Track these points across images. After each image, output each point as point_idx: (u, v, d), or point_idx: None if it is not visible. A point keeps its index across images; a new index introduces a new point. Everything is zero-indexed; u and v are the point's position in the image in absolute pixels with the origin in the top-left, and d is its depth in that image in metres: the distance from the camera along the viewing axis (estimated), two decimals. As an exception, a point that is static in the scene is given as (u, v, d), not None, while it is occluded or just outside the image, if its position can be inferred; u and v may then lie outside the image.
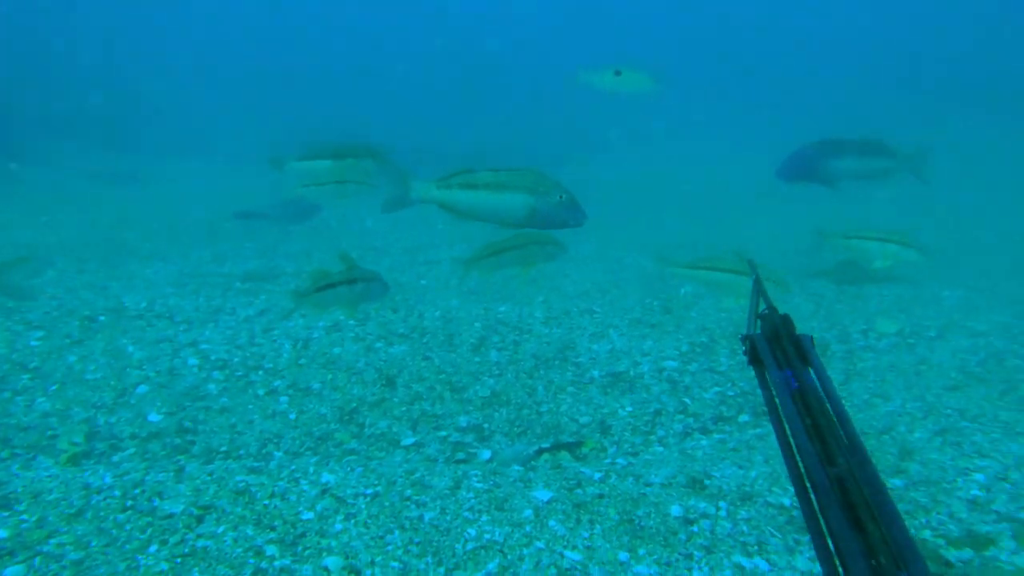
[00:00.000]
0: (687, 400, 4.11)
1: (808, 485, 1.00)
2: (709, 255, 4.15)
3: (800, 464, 1.04)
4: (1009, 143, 13.12)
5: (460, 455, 3.46)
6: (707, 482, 3.09)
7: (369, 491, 2.65)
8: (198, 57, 23.46)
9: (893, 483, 3.01)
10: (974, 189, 10.28)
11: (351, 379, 4.13)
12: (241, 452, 3.48)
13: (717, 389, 4.21)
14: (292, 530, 2.39)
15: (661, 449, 3.60)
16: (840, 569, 0.87)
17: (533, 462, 3.40)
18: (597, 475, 3.13)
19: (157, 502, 2.65)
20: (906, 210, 8.67)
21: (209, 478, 2.83)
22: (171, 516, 2.55)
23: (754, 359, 1.31)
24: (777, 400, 1.18)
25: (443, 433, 3.65)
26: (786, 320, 1.35)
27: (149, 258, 6.98)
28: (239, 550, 2.35)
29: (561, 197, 3.08)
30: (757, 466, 3.26)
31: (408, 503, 2.61)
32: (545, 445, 3.60)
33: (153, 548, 2.38)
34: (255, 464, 3.05)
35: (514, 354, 4.52)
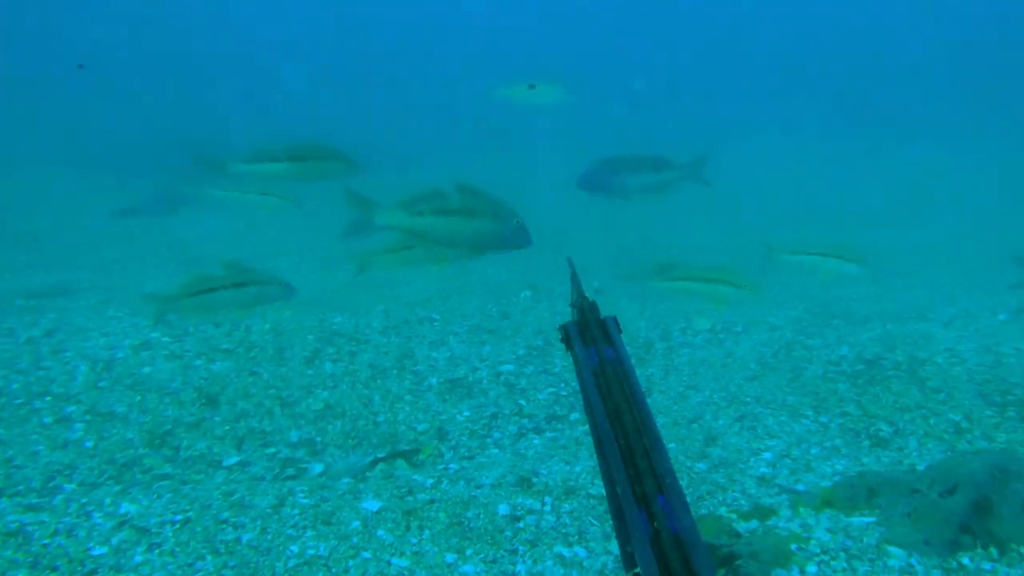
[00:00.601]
0: (523, 402, 4.25)
1: (602, 441, 1.17)
2: (700, 265, 4.27)
3: (597, 424, 1.19)
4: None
5: (290, 471, 3.34)
6: (535, 480, 3.23)
7: (179, 517, 2.49)
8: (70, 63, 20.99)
9: (698, 467, 3.31)
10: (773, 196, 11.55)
11: (164, 400, 3.85)
12: (19, 488, 3.12)
13: (551, 390, 4.40)
14: (79, 568, 2.19)
15: (496, 451, 3.70)
16: (616, 484, 1.06)
17: (367, 473, 3.37)
18: (429, 481, 3.17)
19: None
20: (711, 219, 9.57)
21: (-24, 521, 2.52)
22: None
23: (568, 344, 1.43)
24: (583, 375, 1.32)
25: (272, 450, 3.52)
26: (592, 306, 1.48)
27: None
28: (15, 598, 2.12)
29: (517, 222, 3.24)
30: (583, 461, 3.46)
31: (224, 526, 2.49)
32: (381, 455, 3.58)
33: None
34: (36, 501, 2.76)
35: (350, 365, 4.44)
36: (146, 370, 4.17)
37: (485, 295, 6.03)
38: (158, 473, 3.25)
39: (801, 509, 2.83)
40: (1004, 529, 2.42)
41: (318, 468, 3.39)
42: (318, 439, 3.68)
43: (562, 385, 4.44)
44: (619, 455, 1.09)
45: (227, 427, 3.68)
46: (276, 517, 2.61)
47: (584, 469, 3.35)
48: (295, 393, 4.05)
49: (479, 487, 3.14)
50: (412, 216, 3.18)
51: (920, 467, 3.09)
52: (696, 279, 4.22)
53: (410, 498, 2.94)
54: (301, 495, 2.82)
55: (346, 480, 3.10)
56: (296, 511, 2.67)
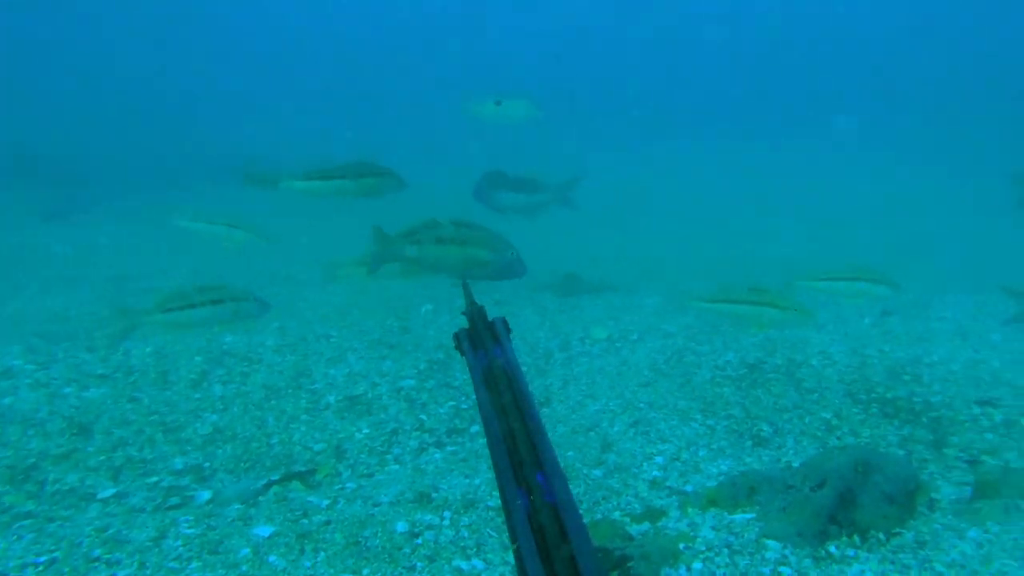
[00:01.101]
0: (424, 416, 4.22)
1: (488, 432, 1.24)
2: (727, 287, 4.16)
3: (484, 418, 1.26)
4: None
5: (174, 500, 3.16)
6: (434, 495, 3.21)
7: (43, 559, 2.30)
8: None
9: (594, 474, 3.40)
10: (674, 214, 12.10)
11: (28, 432, 3.55)
12: None
13: (452, 403, 4.40)
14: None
15: (396, 467, 3.65)
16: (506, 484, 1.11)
17: (260, 497, 3.23)
18: (325, 502, 3.08)
19: None
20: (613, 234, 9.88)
21: None
22: None
23: (460, 349, 1.50)
24: (474, 377, 1.39)
25: (153, 479, 3.31)
26: (480, 311, 1.55)
27: None
28: None
29: (511, 254, 3.51)
30: (482, 473, 3.47)
31: (96, 564, 2.32)
32: (275, 477, 3.45)
33: None
34: None
35: (242, 386, 4.26)
36: (6, 400, 3.82)
37: (385, 310, 5.94)
38: (19, 512, 2.97)
39: (689, 509, 2.96)
40: (865, 517, 2.63)
41: (206, 495, 3.22)
42: (206, 464, 3.50)
43: (463, 398, 4.44)
44: (503, 443, 1.16)
45: (102, 457, 3.43)
46: (156, 550, 2.46)
47: (484, 481, 3.37)
48: (181, 418, 3.84)
49: (377, 505, 3.08)
50: (411, 244, 3.46)
51: (796, 464, 3.30)
52: (741, 302, 4.13)
53: (305, 520, 2.85)
54: (185, 525, 2.67)
55: (236, 506, 2.97)
56: (179, 542, 2.53)
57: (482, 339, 1.43)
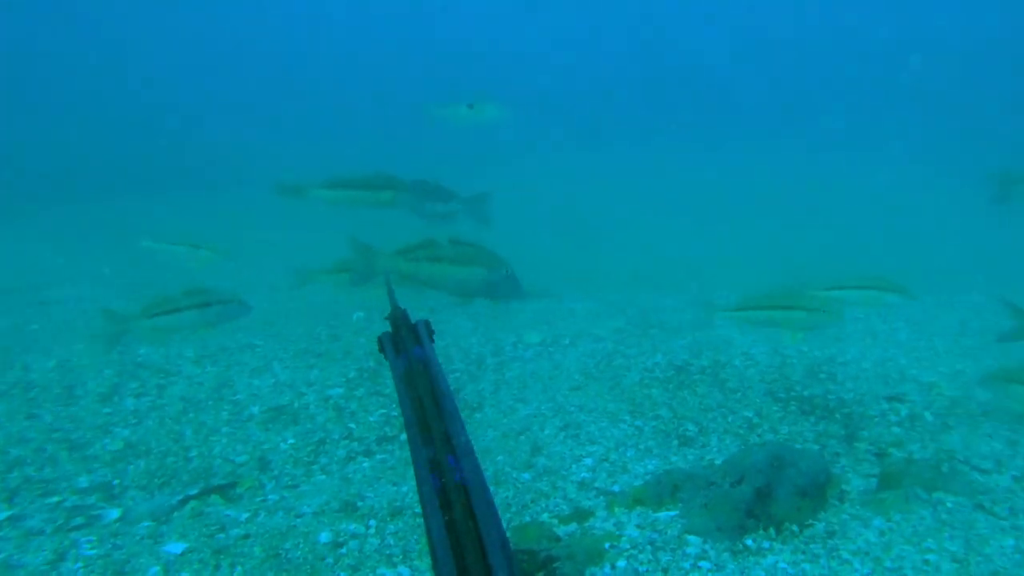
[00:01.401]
0: (352, 425, 4.13)
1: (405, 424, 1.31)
2: (758, 295, 4.04)
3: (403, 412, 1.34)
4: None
5: (77, 520, 2.98)
6: (360, 503, 3.14)
7: (-77, 588, 2.13)
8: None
9: (524, 477, 3.40)
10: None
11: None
12: None
13: (382, 411, 4.32)
14: None
15: (323, 477, 3.56)
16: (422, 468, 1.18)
17: (175, 513, 3.09)
18: (245, 515, 2.98)
19: None
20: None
21: None
22: None
23: (383, 352, 1.55)
24: (395, 376, 1.46)
25: (54, 499, 3.11)
26: (403, 315, 1.60)
27: None
28: None
29: (506, 271, 3.64)
30: (409, 481, 3.42)
31: (-15, 590, 2.16)
32: (192, 492, 3.30)
33: None
34: None
35: (158, 399, 4.07)
36: None
37: (314, 317, 5.81)
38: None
39: (616, 509, 3.00)
40: (780, 511, 2.72)
41: (114, 514, 3.05)
42: (115, 482, 3.32)
43: (393, 406, 4.37)
44: (418, 431, 1.24)
45: (-3, 478, 3.21)
46: (53, 575, 2.31)
47: (411, 488, 3.32)
48: (87, 434, 3.63)
49: (300, 516, 3.00)
50: (408, 262, 3.55)
51: (718, 461, 3.39)
52: (769, 307, 4.07)
53: (222, 535, 2.74)
54: (87, 546, 2.52)
55: (146, 524, 2.82)
56: (79, 564, 2.39)
57: (404, 341, 1.48)
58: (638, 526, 2.81)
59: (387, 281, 2.12)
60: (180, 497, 3.24)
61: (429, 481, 1.13)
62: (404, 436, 4.07)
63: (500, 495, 3.20)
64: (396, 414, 4.30)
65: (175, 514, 3.04)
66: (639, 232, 11.19)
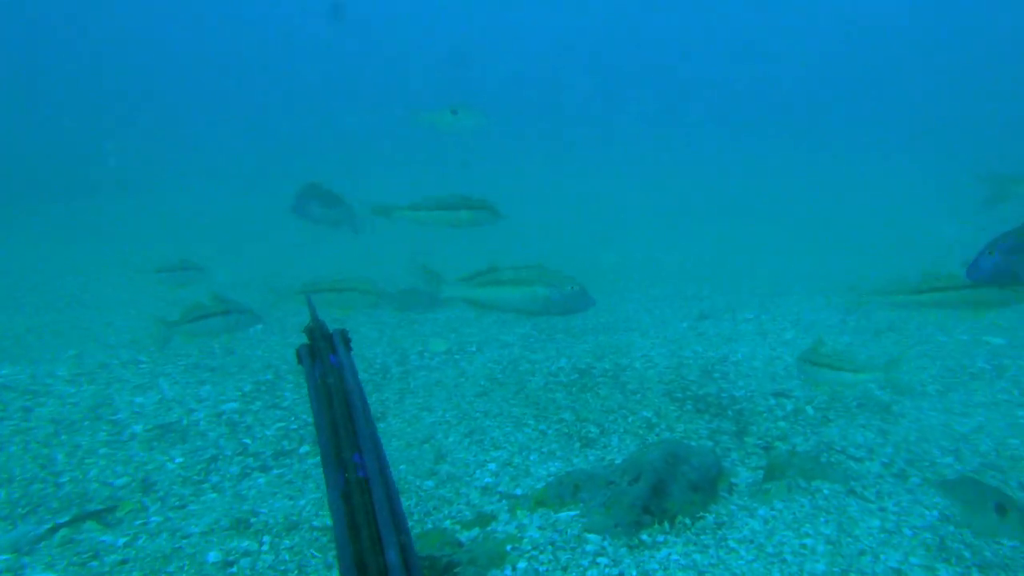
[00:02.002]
0: (248, 440, 3.95)
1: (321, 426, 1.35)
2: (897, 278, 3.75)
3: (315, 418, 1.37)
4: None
5: (-74, 557, 2.69)
6: (253, 520, 3.00)
7: None
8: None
9: (426, 485, 3.36)
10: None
11: None
12: None
13: (280, 424, 4.16)
14: None
15: (214, 496, 3.38)
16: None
17: (42, 543, 2.84)
18: (123, 540, 2.78)
19: None
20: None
21: None
22: None
23: (301, 361, 1.58)
24: (309, 383, 1.49)
25: None
26: (321, 325, 1.64)
27: None
28: None
29: (572, 288, 3.72)
30: (308, 494, 3.30)
31: None
32: (63, 519, 3.05)
33: None
34: None
35: (23, 422, 3.75)
36: None
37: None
38: None
39: (518, 512, 3.01)
40: (674, 505, 2.81)
41: (-32, 547, 2.77)
42: (-30, 513, 3.02)
43: (292, 419, 4.22)
44: (327, 432, 1.29)
45: None
46: None
47: (309, 502, 3.21)
48: (-60, 460, 3.29)
49: (186, 537, 2.83)
50: (472, 287, 3.74)
51: (618, 461, 3.47)
52: (945, 289, 3.71)
53: (95, 563, 2.55)
54: (-66, 583, 2.28)
55: (4, 557, 2.58)
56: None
57: (321, 350, 1.54)
58: (539, 527, 2.83)
59: (308, 296, 2.16)
60: (48, 526, 2.98)
61: (335, 479, 1.18)
62: (303, 449, 3.94)
63: (402, 504, 3.14)
64: (295, 427, 4.16)
65: (42, 544, 2.79)
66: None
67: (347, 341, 1.59)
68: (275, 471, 3.66)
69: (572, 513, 2.92)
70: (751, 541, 2.57)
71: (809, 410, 4.09)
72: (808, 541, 2.58)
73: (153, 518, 3.01)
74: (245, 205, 13.23)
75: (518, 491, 3.25)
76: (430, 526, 2.96)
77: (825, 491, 2.98)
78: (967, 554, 2.53)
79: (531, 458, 3.64)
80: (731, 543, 2.56)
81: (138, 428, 3.86)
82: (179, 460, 3.67)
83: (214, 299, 4.09)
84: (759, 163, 17.62)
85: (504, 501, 3.14)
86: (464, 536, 2.86)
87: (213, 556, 2.65)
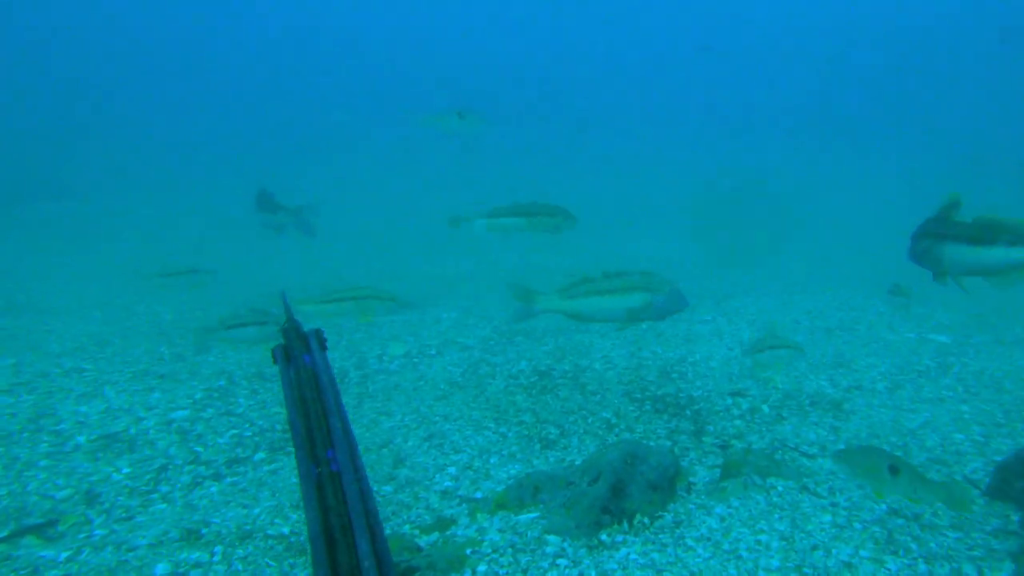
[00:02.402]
0: (199, 449, 3.84)
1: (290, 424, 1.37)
2: None
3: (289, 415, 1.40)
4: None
5: None
6: (204, 530, 2.91)
7: None
8: None
9: (385, 490, 3.30)
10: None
11: None
12: None
13: (234, 432, 4.05)
14: None
15: (164, 506, 3.27)
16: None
17: (-23, 560, 2.70)
18: (64, 555, 2.66)
19: None
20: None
21: None
22: None
23: (276, 361, 1.60)
24: (285, 383, 1.51)
25: None
26: (296, 326, 1.66)
27: None
28: None
29: (670, 290, 3.76)
30: (263, 502, 3.22)
31: None
32: (0, 535, 2.91)
33: None
34: None
35: (-42, 431, 3.57)
36: None
37: (156, 337, 5.36)
38: None
39: (478, 515, 2.98)
40: (633, 505, 2.83)
41: None
42: (-101, 530, 2.85)
43: (246, 426, 4.11)
44: (302, 429, 1.31)
45: None
46: None
47: (264, 510, 3.12)
48: None
49: (132, 550, 2.72)
50: (565, 300, 3.73)
51: (578, 462, 3.48)
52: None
53: (33, 580, 2.43)
54: None
55: (-68, 575, 2.44)
56: None
57: (295, 350, 1.56)
58: (500, 530, 2.81)
59: (283, 296, 2.14)
60: (-15, 541, 2.84)
61: (308, 474, 1.22)
62: (258, 456, 3.84)
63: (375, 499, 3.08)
64: (249, 434, 4.05)
65: (-22, 560, 2.66)
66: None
67: (322, 341, 1.61)
68: (228, 479, 3.55)
69: (532, 515, 2.91)
70: (708, 539, 2.60)
71: (764, 408, 4.16)
72: (763, 537, 2.61)
73: (97, 531, 2.89)
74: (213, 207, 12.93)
75: (478, 494, 3.23)
76: (388, 531, 2.91)
77: (779, 488, 3.03)
78: (914, 546, 2.60)
79: (491, 461, 3.62)
80: (689, 541, 2.59)
81: (82, 438, 3.71)
82: (126, 470, 3.53)
83: (251, 311, 4.25)
84: (739, 163, 17.92)
85: (464, 505, 3.11)
86: (423, 541, 2.82)
87: (161, 569, 2.56)
